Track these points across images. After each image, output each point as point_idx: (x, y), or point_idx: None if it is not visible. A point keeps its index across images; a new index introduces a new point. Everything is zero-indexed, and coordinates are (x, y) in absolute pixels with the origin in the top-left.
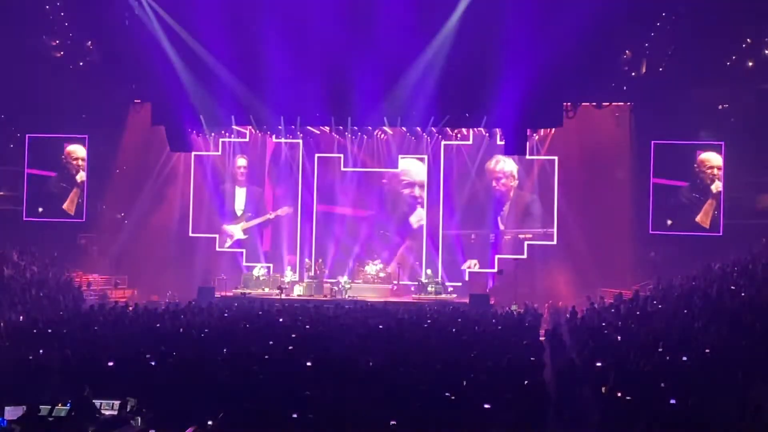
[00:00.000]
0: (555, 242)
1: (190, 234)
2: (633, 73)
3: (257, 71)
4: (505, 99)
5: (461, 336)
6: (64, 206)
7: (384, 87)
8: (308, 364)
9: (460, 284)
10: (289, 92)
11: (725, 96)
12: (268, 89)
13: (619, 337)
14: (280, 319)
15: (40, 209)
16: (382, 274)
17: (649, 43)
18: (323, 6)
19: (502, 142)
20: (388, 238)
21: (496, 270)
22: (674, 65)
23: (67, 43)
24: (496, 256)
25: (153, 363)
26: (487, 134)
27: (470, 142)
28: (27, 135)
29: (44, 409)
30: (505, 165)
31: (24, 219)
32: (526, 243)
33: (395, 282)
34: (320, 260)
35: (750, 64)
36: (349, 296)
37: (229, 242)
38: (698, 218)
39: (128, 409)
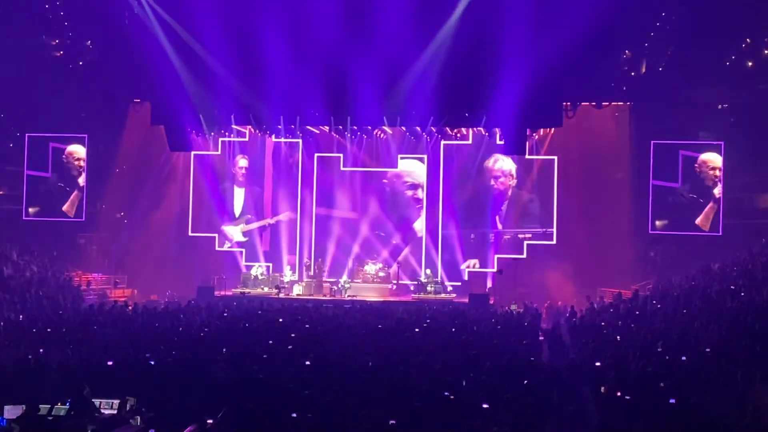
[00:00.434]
0: (554, 242)
1: (190, 234)
2: (632, 73)
3: (257, 71)
4: (504, 99)
5: (461, 336)
6: (64, 208)
7: (383, 87)
8: (307, 363)
9: (459, 284)
10: (288, 92)
11: (725, 96)
12: (268, 89)
13: (618, 337)
14: (280, 319)
15: (36, 209)
16: (381, 274)
17: (648, 43)
18: (323, 6)
19: (502, 142)
20: (385, 238)
21: (495, 270)
22: (674, 65)
23: (66, 43)
24: (496, 256)
25: (152, 362)
26: (487, 134)
27: (470, 141)
28: (27, 135)
29: (44, 408)
30: (504, 164)
31: (24, 219)
32: (525, 243)
33: (395, 282)
34: (320, 260)
35: (749, 64)
36: (348, 296)
37: (228, 244)
38: (698, 221)
39: (128, 409)
